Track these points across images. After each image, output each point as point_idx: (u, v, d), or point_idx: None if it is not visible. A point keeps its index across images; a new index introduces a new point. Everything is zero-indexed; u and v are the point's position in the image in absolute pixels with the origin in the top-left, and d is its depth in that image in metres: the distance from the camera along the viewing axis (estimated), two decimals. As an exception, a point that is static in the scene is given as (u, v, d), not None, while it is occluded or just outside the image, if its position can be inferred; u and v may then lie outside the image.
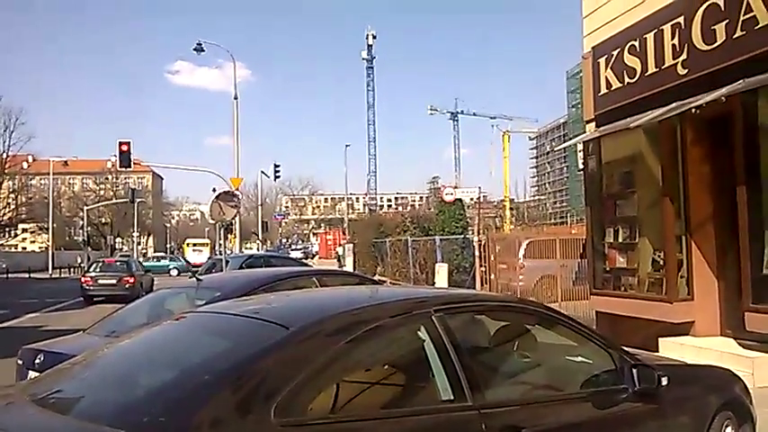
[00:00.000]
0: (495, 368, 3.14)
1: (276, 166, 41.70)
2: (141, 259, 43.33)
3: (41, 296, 22.48)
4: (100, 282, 20.89)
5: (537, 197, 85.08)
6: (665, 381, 3.23)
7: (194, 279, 5.92)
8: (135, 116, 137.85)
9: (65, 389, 2.60)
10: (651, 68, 7.77)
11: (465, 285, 16.19)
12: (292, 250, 59.41)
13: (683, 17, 7.25)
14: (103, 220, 72.32)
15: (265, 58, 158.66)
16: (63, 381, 2.71)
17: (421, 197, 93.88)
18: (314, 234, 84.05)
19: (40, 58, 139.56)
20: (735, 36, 6.58)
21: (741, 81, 6.31)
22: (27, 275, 39.33)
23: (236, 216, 17.88)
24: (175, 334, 3.00)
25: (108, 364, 2.84)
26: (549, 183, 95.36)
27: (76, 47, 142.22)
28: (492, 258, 15.27)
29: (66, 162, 57.46)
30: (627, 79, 8.22)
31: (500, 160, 52.47)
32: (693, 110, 6.81)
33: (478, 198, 44.59)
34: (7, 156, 56.38)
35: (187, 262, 47.90)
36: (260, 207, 50.32)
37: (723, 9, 6.73)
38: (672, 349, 7.27)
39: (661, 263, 7.95)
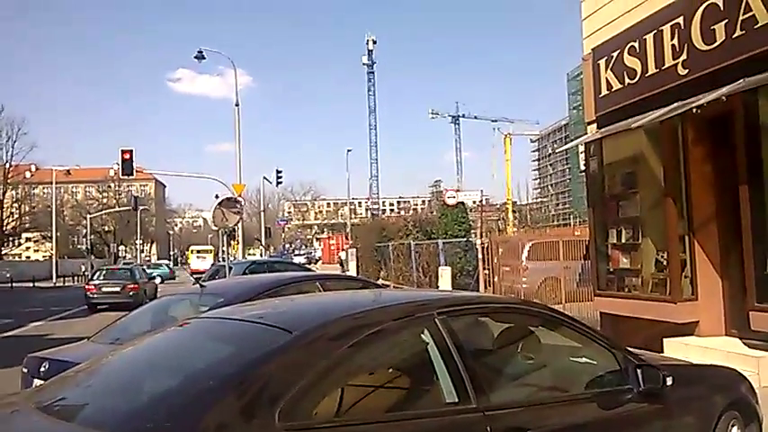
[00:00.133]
0: (499, 370, 3.14)
1: (278, 171, 41.76)
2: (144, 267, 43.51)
3: (46, 305, 22.53)
4: (104, 290, 20.92)
5: (539, 199, 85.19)
6: (669, 381, 3.22)
7: (198, 285, 5.92)
8: (137, 124, 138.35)
9: (70, 396, 2.60)
10: (651, 69, 7.78)
11: (468, 288, 16.17)
12: (295, 256, 59.38)
13: (682, 17, 7.25)
14: (107, 229, 72.50)
15: (266, 65, 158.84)
16: (68, 388, 2.71)
17: (423, 201, 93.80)
18: (317, 239, 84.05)
19: (40, 67, 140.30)
20: (734, 36, 6.58)
21: (741, 80, 6.31)
22: (31, 284, 39.40)
23: (238, 222, 17.90)
24: (179, 340, 3.00)
25: (112, 370, 2.85)
26: (551, 185, 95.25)
27: (77, 56, 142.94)
28: (495, 261, 15.28)
29: (68, 171, 57.77)
30: (627, 80, 8.22)
31: (502, 163, 52.61)
32: (694, 110, 6.81)
33: (481, 201, 44.61)
34: (10, 165, 56.68)
35: (170, 269, 48.85)
36: (263, 213, 50.26)
37: (722, 9, 6.73)
38: (677, 349, 7.25)
39: (664, 263, 7.94)
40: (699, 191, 7.72)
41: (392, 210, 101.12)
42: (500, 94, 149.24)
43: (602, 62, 8.72)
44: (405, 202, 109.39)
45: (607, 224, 8.99)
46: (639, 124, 7.59)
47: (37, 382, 4.33)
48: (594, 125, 9.13)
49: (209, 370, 2.45)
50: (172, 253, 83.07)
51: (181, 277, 47.26)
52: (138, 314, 5.96)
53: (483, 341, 3.22)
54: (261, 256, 44.52)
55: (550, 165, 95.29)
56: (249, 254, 48.19)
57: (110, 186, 75.37)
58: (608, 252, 8.99)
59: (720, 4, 6.75)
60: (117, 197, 74.15)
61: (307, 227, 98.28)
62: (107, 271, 22.82)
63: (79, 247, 68.32)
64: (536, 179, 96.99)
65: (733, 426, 3.78)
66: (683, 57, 7.26)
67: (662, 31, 7.55)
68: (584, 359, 3.38)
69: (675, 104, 7.15)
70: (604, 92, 8.73)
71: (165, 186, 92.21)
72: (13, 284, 37.64)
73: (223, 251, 18.86)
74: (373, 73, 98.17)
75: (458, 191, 28.51)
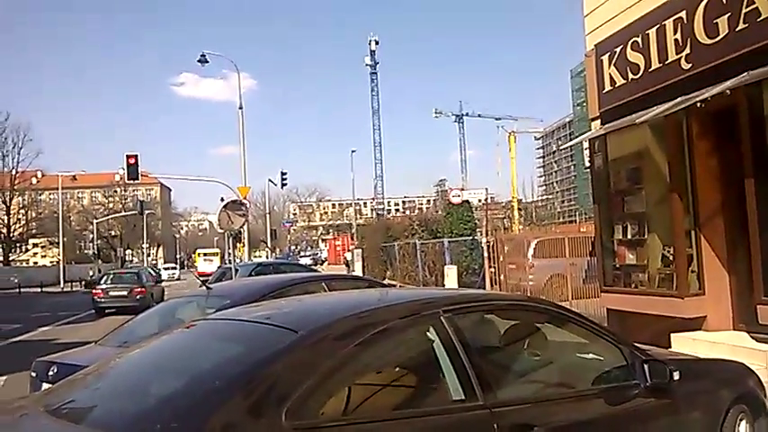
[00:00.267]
0: (505, 367, 3.14)
1: (283, 173, 41.84)
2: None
3: (53, 310, 22.61)
4: (111, 294, 21.01)
5: (545, 197, 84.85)
6: (676, 375, 3.22)
7: (204, 288, 5.94)
8: (141, 129, 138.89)
9: (78, 399, 2.62)
10: (654, 64, 7.75)
11: (475, 286, 16.16)
12: (301, 257, 59.50)
13: (684, 12, 7.23)
14: (113, 233, 72.78)
15: (269, 68, 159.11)
16: (76, 391, 2.73)
17: (428, 200, 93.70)
18: (322, 240, 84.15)
19: (45, 73, 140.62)
20: (737, 29, 6.55)
21: (745, 73, 6.28)
22: (39, 290, 39.57)
23: (244, 225, 17.95)
24: (186, 341, 3.02)
25: (120, 373, 2.86)
26: (556, 182, 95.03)
27: (81, 62, 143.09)
28: (501, 259, 15.23)
29: (74, 176, 57.93)
30: (631, 76, 8.20)
31: (507, 161, 52.29)
32: (698, 104, 6.79)
33: (486, 199, 44.55)
34: (16, 172, 56.89)
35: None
36: (268, 215, 50.37)
37: (725, 2, 6.70)
38: (684, 345, 7.23)
39: (671, 258, 7.91)
40: (704, 185, 7.69)
41: (397, 209, 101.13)
42: (502, 93, 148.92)
43: (605, 58, 8.70)
44: (410, 201, 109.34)
45: (613, 220, 8.96)
46: (644, 119, 7.57)
47: (45, 386, 4.35)
48: (598, 121, 9.10)
49: (215, 370, 2.46)
50: (178, 256, 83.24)
51: (187, 280, 47.37)
52: (146, 317, 5.99)
53: (489, 338, 3.22)
54: (267, 258, 44.58)
55: (555, 162, 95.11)
56: (255, 256, 48.25)
57: (116, 191, 75.61)
58: (614, 248, 8.96)
59: (723, -2, 6.73)
60: (123, 202, 74.39)
61: (312, 228, 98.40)
62: (114, 275, 22.90)
63: (86, 252, 68.67)
64: (541, 176, 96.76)
65: (741, 420, 3.77)
66: (687, 51, 7.23)
67: (664, 25, 7.53)
68: (590, 355, 3.38)
69: (679, 99, 7.12)
70: (608, 88, 8.71)
71: (170, 190, 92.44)
72: (21, 290, 37.80)
73: (229, 254, 18.88)
74: (376, 74, 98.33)
75: (463, 189, 28.40)
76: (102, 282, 22.13)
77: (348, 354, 2.47)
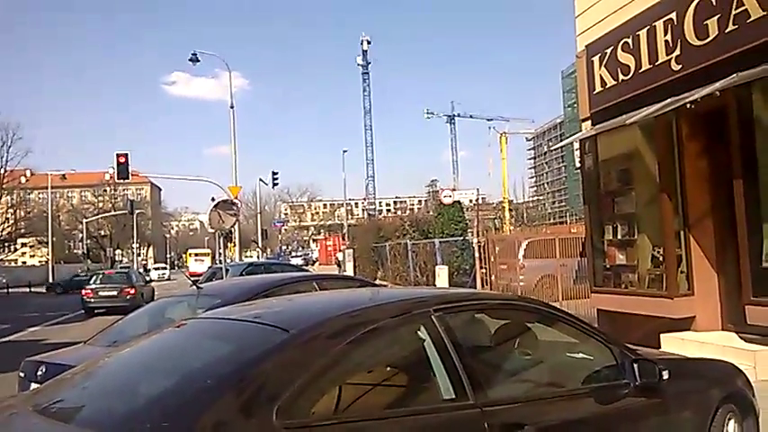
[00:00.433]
0: (496, 366, 3.14)
1: (274, 173, 41.70)
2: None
3: (42, 310, 22.46)
4: (100, 294, 20.88)
5: (536, 197, 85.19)
6: (666, 375, 3.23)
7: (195, 287, 5.91)
8: (132, 128, 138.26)
9: (67, 398, 2.60)
10: (645, 65, 7.80)
11: (466, 287, 16.18)
12: (293, 257, 59.39)
13: (675, 13, 7.28)
14: (103, 233, 72.40)
15: (262, 68, 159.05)
16: (65, 390, 2.71)
17: (420, 200, 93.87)
18: (314, 240, 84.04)
19: (35, 72, 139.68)
20: (727, 30, 6.61)
21: (735, 75, 6.33)
22: (27, 290, 39.29)
23: (235, 224, 17.90)
24: (176, 340, 3.00)
25: (110, 372, 2.84)
26: (547, 183, 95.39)
27: (72, 60, 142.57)
28: (492, 259, 15.26)
29: (63, 175, 57.45)
30: (621, 76, 8.24)
31: (498, 162, 52.58)
32: (688, 105, 6.84)
33: (477, 200, 44.64)
34: (5, 171, 56.45)
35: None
36: (259, 215, 50.28)
37: (715, 4, 6.76)
38: (674, 345, 7.27)
39: (660, 259, 7.96)
40: (694, 186, 7.75)
41: (389, 210, 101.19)
42: (499, 93, 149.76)
43: (595, 59, 8.74)
44: (401, 202, 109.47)
45: (603, 221, 9.01)
46: (634, 120, 7.61)
47: (34, 386, 4.32)
48: (589, 122, 9.15)
49: (206, 369, 2.45)
50: (168, 256, 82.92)
51: (178, 280, 47.20)
52: (135, 317, 5.95)
53: (480, 338, 3.22)
54: (258, 258, 44.48)
55: (546, 163, 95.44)
56: (246, 256, 48.16)
57: (105, 190, 75.18)
58: (604, 249, 9.00)
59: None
60: (113, 201, 73.95)
61: (303, 228, 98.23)
62: (103, 275, 22.77)
63: (75, 251, 68.30)
64: (532, 177, 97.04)
65: (729, 419, 3.79)
66: (677, 52, 7.28)
67: (655, 26, 7.58)
68: (580, 354, 3.39)
69: (669, 100, 7.16)
70: (598, 89, 8.75)
71: (160, 190, 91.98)
72: (9, 290, 37.54)
73: (220, 253, 18.83)
74: (368, 74, 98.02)
75: (454, 190, 28.42)
76: (92, 282, 22.00)
77: (339, 353, 2.47)
